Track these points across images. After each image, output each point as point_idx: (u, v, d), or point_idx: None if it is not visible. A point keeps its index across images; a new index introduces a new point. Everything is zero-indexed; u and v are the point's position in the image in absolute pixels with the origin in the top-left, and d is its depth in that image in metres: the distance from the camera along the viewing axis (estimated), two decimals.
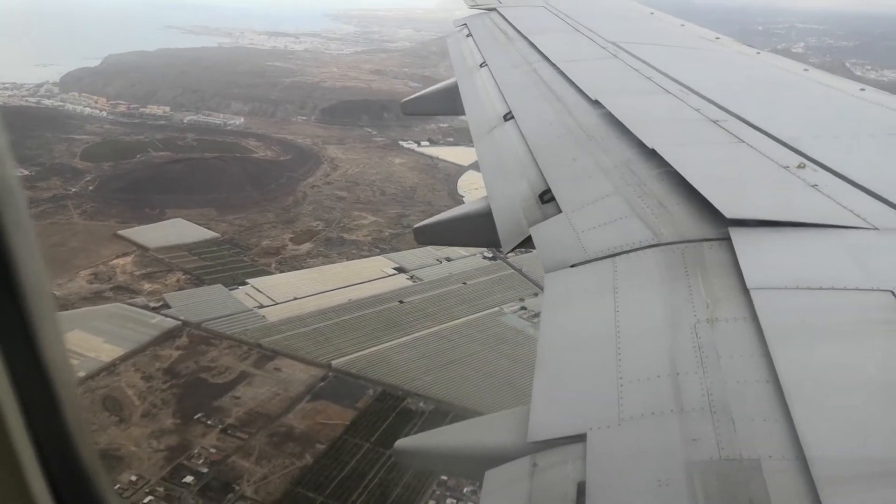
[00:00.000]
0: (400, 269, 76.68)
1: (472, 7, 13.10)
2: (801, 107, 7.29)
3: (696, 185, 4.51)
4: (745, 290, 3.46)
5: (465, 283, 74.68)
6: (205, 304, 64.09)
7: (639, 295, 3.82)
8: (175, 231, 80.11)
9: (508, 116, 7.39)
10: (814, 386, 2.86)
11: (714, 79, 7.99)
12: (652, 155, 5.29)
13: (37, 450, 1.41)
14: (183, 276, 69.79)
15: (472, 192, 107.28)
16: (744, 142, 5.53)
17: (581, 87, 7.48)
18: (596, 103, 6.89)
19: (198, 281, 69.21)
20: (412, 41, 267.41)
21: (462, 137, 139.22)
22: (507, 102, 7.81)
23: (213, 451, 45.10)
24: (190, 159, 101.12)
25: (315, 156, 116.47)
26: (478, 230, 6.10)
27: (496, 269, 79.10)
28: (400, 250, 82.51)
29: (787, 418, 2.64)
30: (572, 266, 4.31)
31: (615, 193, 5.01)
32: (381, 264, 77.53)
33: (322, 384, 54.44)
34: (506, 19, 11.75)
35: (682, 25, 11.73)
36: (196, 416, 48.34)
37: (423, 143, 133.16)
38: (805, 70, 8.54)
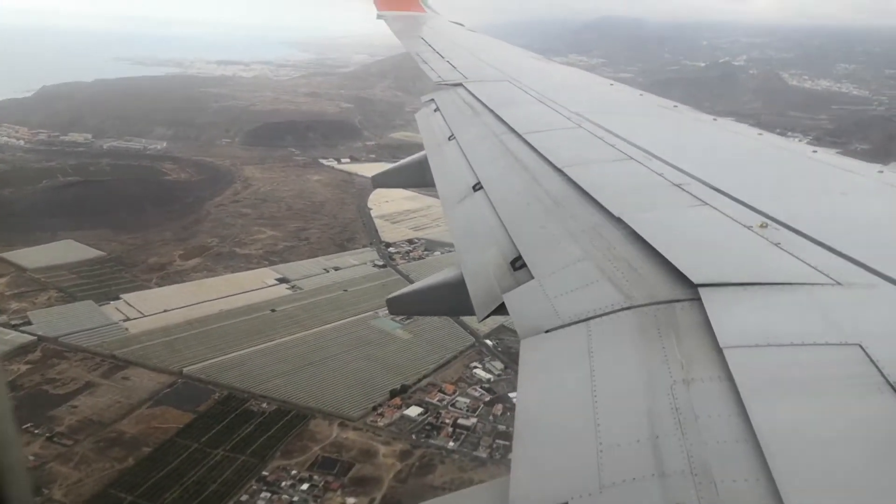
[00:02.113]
0: (283, 280, 77.38)
1: (439, 82, 13.48)
2: (758, 169, 7.48)
3: (662, 252, 4.62)
4: (719, 349, 3.52)
5: (345, 291, 75.51)
6: (68, 319, 64.31)
7: (614, 358, 3.85)
8: (61, 252, 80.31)
9: (478, 187, 7.48)
10: (791, 443, 2.89)
11: (674, 144, 8.19)
12: (620, 219, 5.47)
13: None
14: (56, 294, 69.96)
15: (383, 204, 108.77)
16: (707, 203, 5.66)
17: (547, 157, 7.60)
18: (562, 171, 7.01)
19: (70, 298, 69.40)
20: (362, 65, 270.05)
21: (384, 154, 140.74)
22: (475, 173, 7.92)
23: (31, 458, 45.12)
24: (91, 182, 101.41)
25: (229, 176, 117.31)
26: (451, 299, 6.08)
27: (382, 276, 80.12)
28: (290, 262, 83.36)
29: (768, 477, 2.68)
30: (547, 331, 4.32)
31: (585, 258, 5.08)
32: (263, 276, 78.19)
33: (168, 390, 54.77)
34: (472, 94, 11.95)
35: (641, 95, 12.15)
36: (25, 427, 48.36)
37: (343, 160, 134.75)
38: (759, 134, 8.84)
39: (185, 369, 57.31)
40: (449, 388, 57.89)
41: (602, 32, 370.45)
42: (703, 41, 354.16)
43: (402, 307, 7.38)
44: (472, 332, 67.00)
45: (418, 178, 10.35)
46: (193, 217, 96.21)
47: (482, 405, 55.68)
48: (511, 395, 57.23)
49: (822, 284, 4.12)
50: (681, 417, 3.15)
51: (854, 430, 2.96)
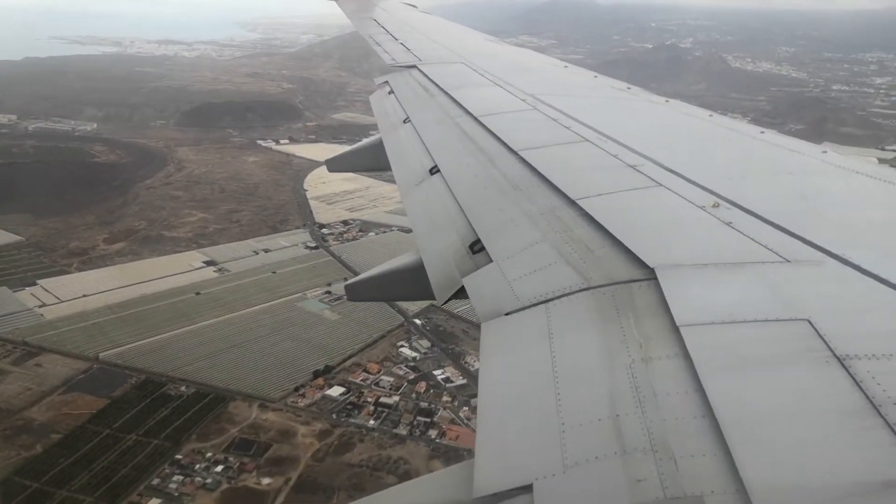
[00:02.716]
0: (210, 263, 76.04)
1: (392, 64, 13.35)
2: (709, 150, 7.59)
3: (618, 237, 4.67)
4: (675, 328, 3.56)
5: (274, 273, 74.63)
6: None
7: (574, 339, 3.88)
8: None
9: (434, 170, 7.44)
10: (747, 418, 2.93)
11: (628, 126, 8.25)
12: (576, 202, 5.50)
13: None
14: None
15: (319, 185, 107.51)
16: (661, 185, 5.73)
17: (503, 139, 7.59)
18: (518, 154, 7.01)
19: None
20: (307, 46, 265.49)
21: (324, 135, 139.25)
22: (432, 157, 7.86)
23: None
24: (10, 164, 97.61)
25: (161, 158, 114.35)
26: (411, 283, 6.06)
27: (313, 258, 79.48)
28: (219, 244, 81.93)
29: (726, 452, 2.72)
30: (507, 314, 4.35)
31: (543, 241, 5.09)
32: (190, 258, 76.72)
33: (82, 377, 53.45)
34: (426, 76, 11.85)
35: (595, 77, 12.12)
36: None
37: (282, 141, 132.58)
38: (710, 116, 8.89)
39: (100, 355, 55.94)
40: (373, 367, 57.92)
41: (553, 14, 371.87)
42: (652, 23, 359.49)
43: (361, 293, 7.32)
44: (402, 312, 67.07)
45: (373, 161, 10.17)
46: (121, 200, 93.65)
47: (406, 383, 55.88)
48: (435, 372, 57.69)
49: (771, 262, 4.21)
50: (640, 396, 3.18)
51: (805, 403, 3.01)
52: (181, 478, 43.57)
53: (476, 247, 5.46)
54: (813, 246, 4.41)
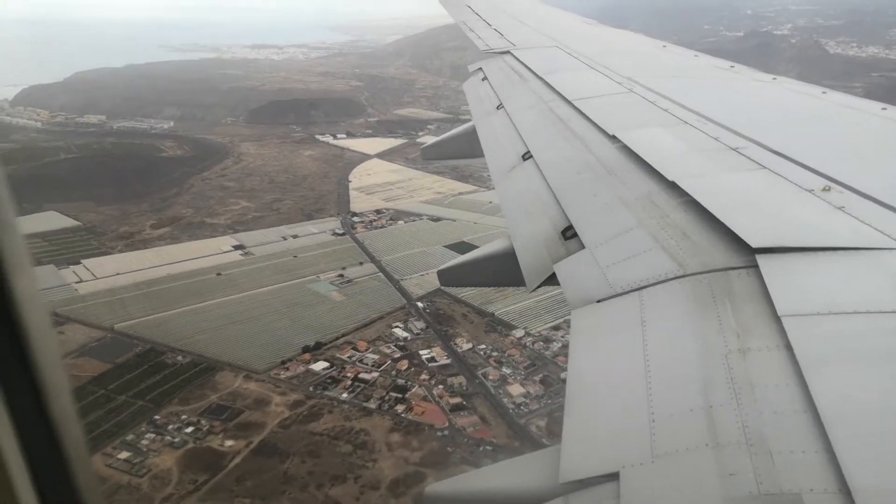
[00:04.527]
0: (239, 247, 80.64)
1: (486, 51, 13.24)
2: (821, 129, 7.18)
3: (719, 216, 4.53)
4: (777, 318, 3.43)
5: (294, 257, 78.17)
6: None
7: (667, 327, 3.80)
8: (43, 221, 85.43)
9: (527, 156, 7.42)
10: (853, 415, 2.80)
11: (731, 107, 8.02)
12: (673, 186, 5.34)
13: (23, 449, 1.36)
14: None
15: (364, 177, 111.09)
16: (765, 167, 5.49)
17: (598, 123, 7.49)
18: (613, 138, 6.91)
19: (34, 263, 74.14)
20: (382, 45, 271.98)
21: (382, 130, 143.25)
22: (525, 142, 7.85)
23: None
24: (83, 158, 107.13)
25: (223, 152, 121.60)
26: (501, 270, 6.06)
27: (336, 244, 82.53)
28: (253, 230, 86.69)
29: (828, 449, 2.59)
30: (598, 301, 4.31)
31: (638, 227, 5.00)
32: (222, 243, 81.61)
33: (95, 344, 58.65)
34: (520, 61, 11.75)
35: (696, 56, 11.79)
36: None
37: (339, 136, 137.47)
38: (823, 93, 8.45)
39: (116, 325, 61.14)
40: (362, 345, 59.83)
41: (641, 3, 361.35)
42: (748, 10, 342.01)
43: (452, 279, 7.28)
44: (406, 295, 68.75)
45: (467, 148, 10.23)
46: (175, 190, 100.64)
47: (390, 361, 57.44)
48: (422, 352, 58.82)
49: (890, 249, 3.94)
50: (736, 387, 3.09)
51: None
52: (153, 436, 47.27)
53: (568, 233, 5.40)
54: None
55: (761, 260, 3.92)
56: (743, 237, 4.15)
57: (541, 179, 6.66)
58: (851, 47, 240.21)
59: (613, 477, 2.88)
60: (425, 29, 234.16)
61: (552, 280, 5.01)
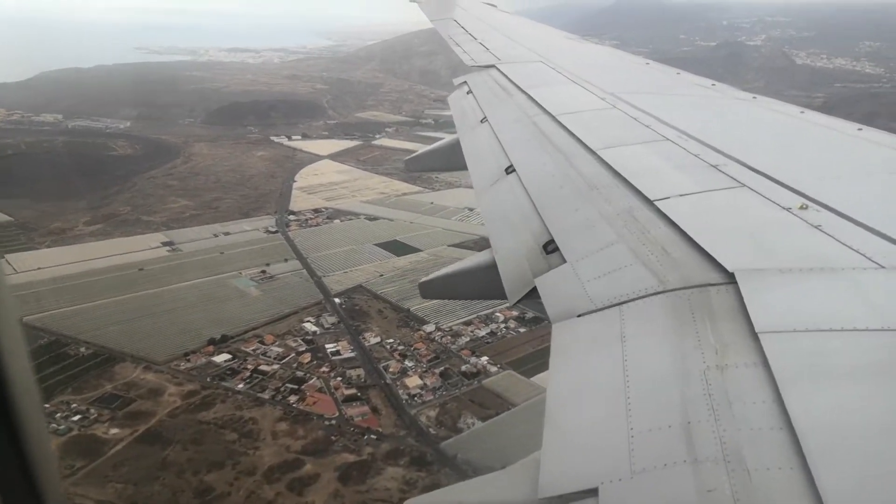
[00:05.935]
0: (167, 244, 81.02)
1: (472, 65, 13.39)
2: (799, 148, 7.30)
3: (696, 239, 4.60)
4: (754, 335, 3.46)
5: (221, 253, 78.65)
6: None
7: (647, 343, 3.82)
8: None
9: (510, 170, 7.47)
10: (829, 432, 2.81)
11: (712, 124, 8.13)
12: (654, 203, 5.44)
13: None
14: None
15: (311, 177, 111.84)
16: (744, 185, 5.58)
17: (581, 138, 7.58)
18: (596, 153, 6.99)
19: None
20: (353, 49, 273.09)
21: (338, 132, 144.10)
22: (508, 156, 7.91)
23: None
24: (26, 155, 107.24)
25: (174, 152, 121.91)
26: (484, 283, 6.02)
27: (265, 241, 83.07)
28: (188, 228, 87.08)
29: (804, 466, 2.61)
30: (579, 316, 4.32)
31: (619, 242, 5.03)
32: (151, 240, 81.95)
33: None
34: (505, 75, 11.88)
35: (678, 73, 11.95)
36: None
37: (294, 137, 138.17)
38: (802, 112, 8.57)
39: (25, 318, 61.29)
40: (269, 338, 60.31)
41: (619, 14, 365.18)
42: (724, 21, 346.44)
43: (434, 291, 7.22)
44: (325, 291, 69.40)
45: (451, 161, 10.25)
46: (116, 188, 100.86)
47: (293, 354, 57.98)
48: (328, 346, 59.42)
49: (864, 269, 4.01)
50: (714, 403, 3.11)
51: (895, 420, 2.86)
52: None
53: (550, 247, 5.43)
54: None
55: (740, 277, 3.98)
56: (720, 261, 4.23)
57: (523, 193, 6.71)
58: (821, 58, 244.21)
59: (592, 493, 2.89)
60: (400, 34, 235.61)
61: (534, 294, 5.00)
